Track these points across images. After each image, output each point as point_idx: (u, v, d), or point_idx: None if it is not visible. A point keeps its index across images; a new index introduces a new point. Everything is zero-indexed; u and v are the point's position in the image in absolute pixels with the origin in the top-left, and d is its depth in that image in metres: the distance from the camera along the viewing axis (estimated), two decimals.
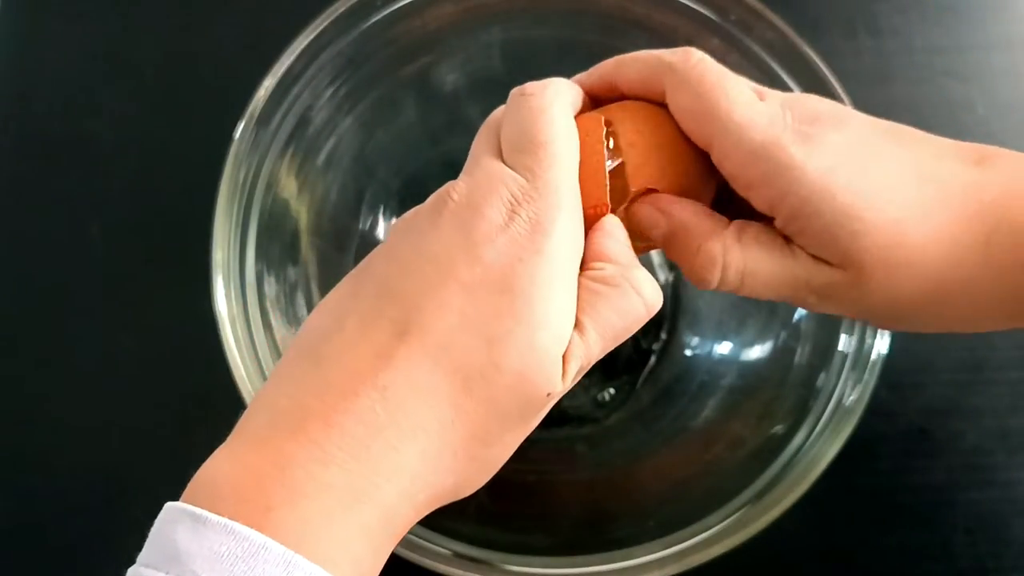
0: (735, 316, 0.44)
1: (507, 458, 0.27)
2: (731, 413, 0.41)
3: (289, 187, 0.40)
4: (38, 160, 0.48)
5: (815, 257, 0.28)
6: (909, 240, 0.27)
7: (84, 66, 0.50)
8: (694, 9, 0.39)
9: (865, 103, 0.38)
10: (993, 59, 0.49)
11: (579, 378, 0.26)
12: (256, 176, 0.38)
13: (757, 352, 0.42)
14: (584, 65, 0.44)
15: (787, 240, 0.29)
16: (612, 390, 0.45)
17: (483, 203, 0.25)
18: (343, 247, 0.43)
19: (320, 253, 0.42)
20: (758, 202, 0.28)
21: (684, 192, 0.30)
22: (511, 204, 0.25)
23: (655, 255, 0.47)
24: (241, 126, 0.37)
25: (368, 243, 0.45)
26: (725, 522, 0.34)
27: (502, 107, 0.29)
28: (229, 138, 0.37)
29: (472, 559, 0.33)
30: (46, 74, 0.50)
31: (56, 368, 0.45)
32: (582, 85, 0.31)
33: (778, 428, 0.37)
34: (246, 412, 0.25)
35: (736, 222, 0.29)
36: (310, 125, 0.40)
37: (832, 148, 0.27)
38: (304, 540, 0.22)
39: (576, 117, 0.29)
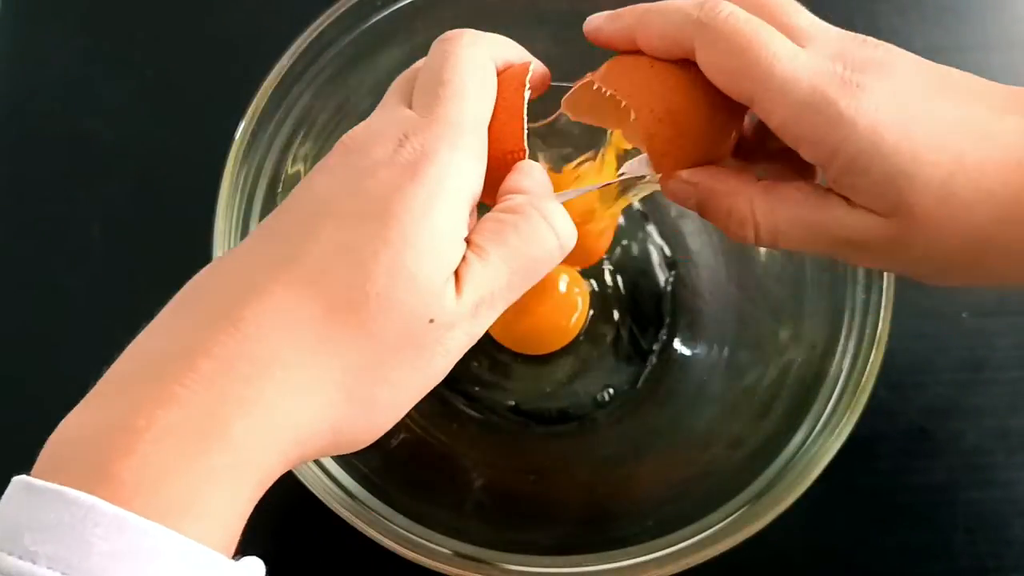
0: (735, 316, 0.44)
1: (405, 406, 0.25)
2: (731, 413, 0.41)
3: (289, 187, 0.40)
4: (38, 160, 0.48)
5: (859, 208, 0.27)
6: (959, 197, 0.26)
7: (84, 66, 0.50)
8: None
9: None
10: (993, 59, 0.49)
11: (490, 312, 0.25)
12: (256, 176, 0.38)
13: (756, 352, 0.42)
14: (583, 65, 0.44)
15: (822, 195, 0.28)
16: (612, 390, 0.45)
17: (372, 142, 0.25)
18: None
19: None
20: (806, 155, 0.27)
21: (706, 150, 0.29)
22: (400, 140, 0.25)
23: (654, 253, 0.47)
24: (241, 126, 0.37)
25: None
26: (725, 522, 0.34)
27: (423, 59, 0.29)
28: (229, 138, 0.37)
29: (472, 559, 0.33)
30: (46, 74, 0.50)
31: (56, 368, 0.45)
32: (600, 34, 0.30)
33: (778, 428, 0.37)
34: (109, 367, 0.24)
35: (763, 183, 0.29)
36: (310, 125, 0.40)
37: (883, 99, 0.26)
38: (138, 494, 0.20)
39: (505, 70, 0.29)
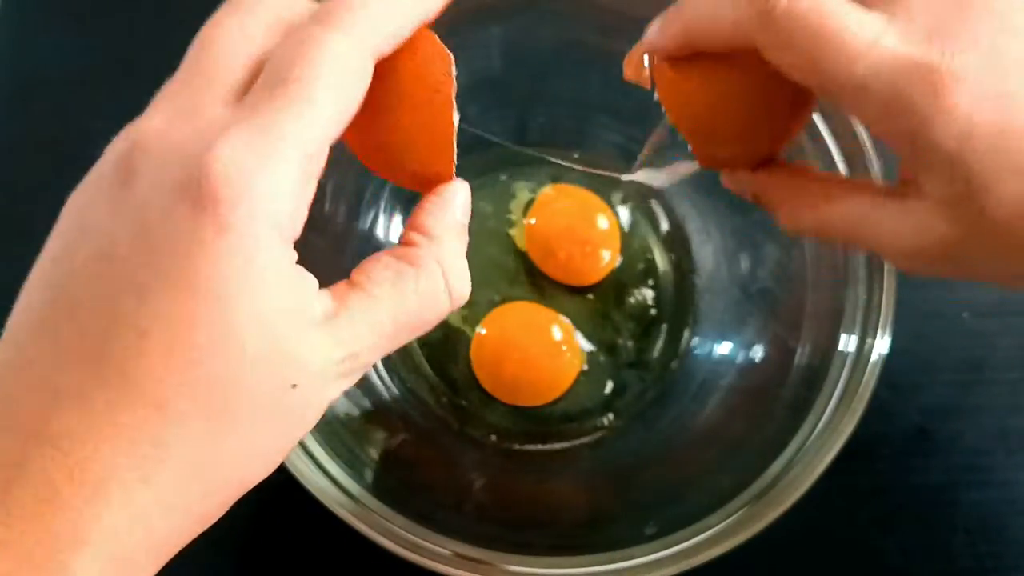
0: (735, 316, 0.44)
1: (272, 465, 0.22)
2: (731, 413, 0.41)
3: None
4: (38, 160, 0.48)
5: (920, 211, 0.24)
6: None
7: (84, 66, 0.50)
8: None
9: None
10: None
11: (364, 365, 0.22)
12: None
13: (757, 352, 0.42)
14: (583, 65, 0.44)
15: (878, 195, 0.26)
16: (611, 390, 0.45)
17: (160, 161, 0.21)
18: (343, 247, 0.43)
19: (320, 253, 0.42)
20: (891, 147, 0.25)
21: (755, 148, 0.28)
22: (202, 158, 0.20)
23: (655, 254, 0.47)
24: None
25: (368, 243, 0.45)
26: (725, 522, 0.34)
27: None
28: None
29: (472, 559, 0.33)
30: (46, 74, 0.50)
31: None
32: (653, 48, 0.27)
33: (778, 428, 0.37)
34: None
35: (820, 183, 0.27)
36: None
37: (982, 87, 0.22)
38: None
39: (417, 52, 0.23)
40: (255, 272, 0.19)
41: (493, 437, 0.43)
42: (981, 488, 0.43)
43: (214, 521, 0.21)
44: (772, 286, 0.42)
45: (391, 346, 0.22)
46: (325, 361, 0.21)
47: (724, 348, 0.43)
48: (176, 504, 0.20)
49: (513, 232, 0.46)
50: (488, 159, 0.47)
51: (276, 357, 0.20)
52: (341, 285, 0.22)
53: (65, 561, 0.18)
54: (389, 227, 0.46)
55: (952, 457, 0.43)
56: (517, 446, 0.43)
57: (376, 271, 0.22)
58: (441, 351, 0.45)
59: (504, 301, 0.45)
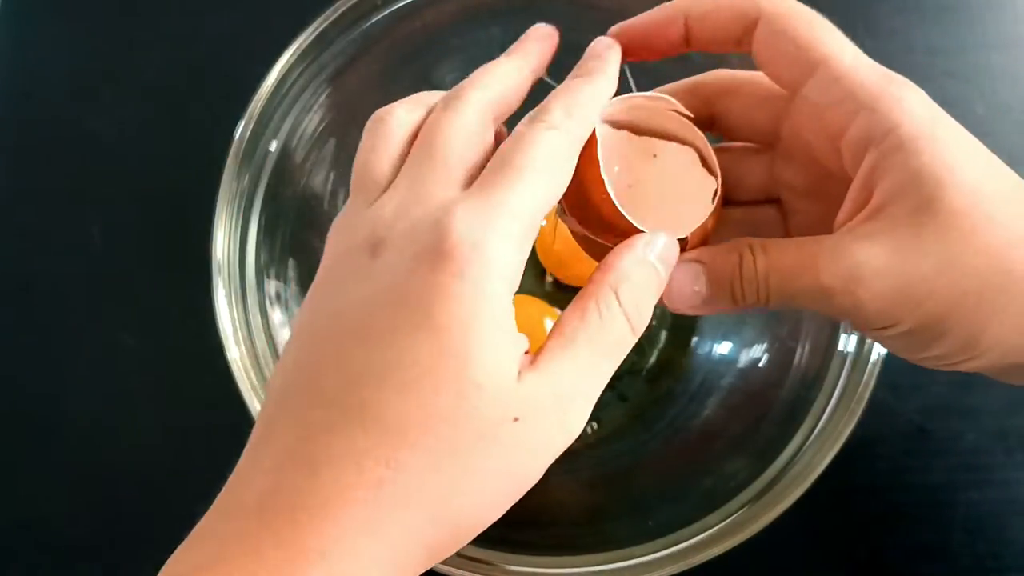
0: (735, 316, 0.44)
1: (496, 513, 0.24)
2: (731, 413, 0.41)
3: (290, 187, 0.40)
4: (38, 160, 0.48)
5: (868, 233, 0.25)
6: (992, 205, 0.24)
7: (84, 66, 0.50)
8: None
9: None
10: (993, 59, 0.49)
11: (582, 401, 0.24)
12: (257, 176, 0.38)
13: (757, 352, 0.42)
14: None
15: (823, 238, 0.26)
16: (611, 390, 0.45)
17: (407, 235, 0.23)
18: None
19: (321, 253, 0.42)
20: (849, 143, 0.26)
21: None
22: (441, 232, 0.23)
23: None
24: (241, 126, 0.37)
25: None
26: (725, 522, 0.34)
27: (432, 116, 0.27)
28: (229, 138, 0.37)
29: (472, 559, 0.33)
30: (46, 74, 0.50)
31: (56, 368, 0.45)
32: (629, 33, 0.30)
33: (778, 428, 0.37)
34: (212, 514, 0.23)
35: (759, 242, 0.27)
36: (310, 125, 0.40)
37: (925, 99, 0.26)
38: None
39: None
40: (487, 314, 0.22)
41: None
42: (981, 488, 0.43)
43: (443, 558, 0.23)
44: None
45: (596, 380, 0.24)
46: (540, 396, 0.23)
47: (724, 348, 0.43)
48: (405, 528, 0.22)
49: None
50: None
51: (501, 392, 0.22)
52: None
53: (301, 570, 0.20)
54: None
55: (952, 457, 0.43)
56: None
57: (566, 314, 0.25)
58: None
59: None
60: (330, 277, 0.25)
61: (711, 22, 0.28)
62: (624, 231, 0.27)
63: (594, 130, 0.27)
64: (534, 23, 0.42)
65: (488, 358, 0.22)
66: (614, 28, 0.30)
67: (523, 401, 0.23)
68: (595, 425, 0.44)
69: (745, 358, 0.42)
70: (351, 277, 0.24)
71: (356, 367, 0.22)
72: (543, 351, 0.24)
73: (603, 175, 0.27)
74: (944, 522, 0.42)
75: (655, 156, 0.29)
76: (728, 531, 0.34)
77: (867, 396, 0.35)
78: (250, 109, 0.37)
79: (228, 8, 0.51)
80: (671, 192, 0.28)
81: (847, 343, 0.36)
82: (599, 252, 0.28)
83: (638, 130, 0.29)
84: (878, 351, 0.35)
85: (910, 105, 0.25)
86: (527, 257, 0.24)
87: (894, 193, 0.25)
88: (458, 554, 0.33)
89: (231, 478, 0.23)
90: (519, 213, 0.23)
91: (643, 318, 0.25)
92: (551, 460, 0.24)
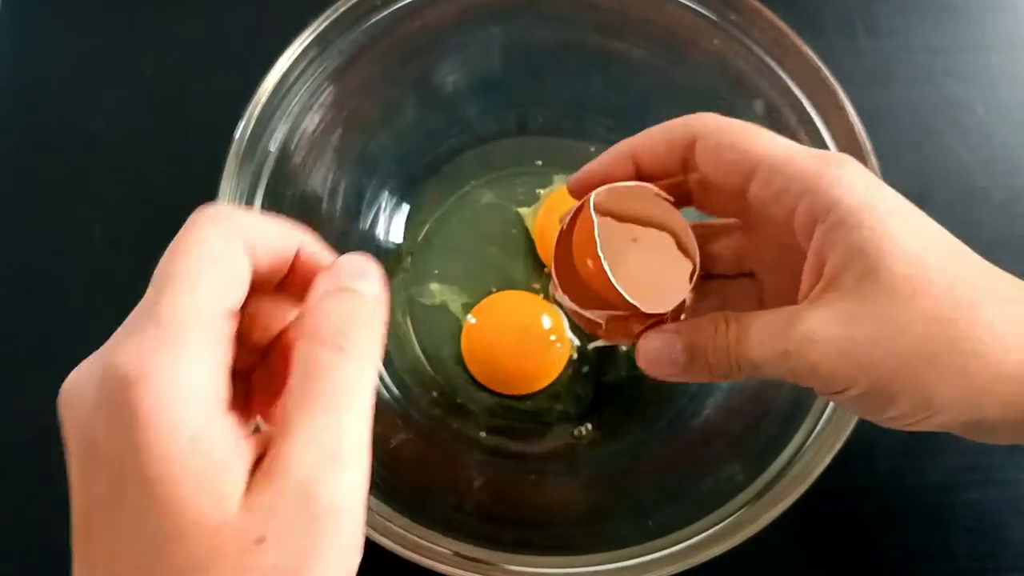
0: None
1: None
2: (731, 413, 0.41)
3: (290, 187, 0.40)
4: (38, 160, 0.48)
5: (822, 302, 0.27)
6: (931, 272, 0.26)
7: (84, 66, 0.50)
8: (694, 9, 0.39)
9: (865, 103, 0.38)
10: (993, 59, 0.49)
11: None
12: (256, 176, 0.38)
13: None
14: (583, 65, 0.44)
15: (785, 310, 0.28)
16: (612, 389, 0.45)
17: (82, 400, 0.23)
18: (343, 247, 0.43)
19: None
20: (799, 221, 0.28)
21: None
22: (102, 377, 0.22)
23: None
24: (241, 126, 0.37)
25: (367, 242, 0.45)
26: (725, 522, 0.34)
27: None
28: (229, 138, 0.37)
29: (472, 559, 0.33)
30: (46, 74, 0.50)
31: (56, 368, 0.45)
32: (594, 173, 0.31)
33: (778, 428, 0.37)
34: None
35: (730, 315, 0.29)
36: (310, 125, 0.40)
37: (863, 173, 0.28)
38: None
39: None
40: (170, 458, 0.20)
41: (482, 433, 0.43)
42: (981, 488, 0.43)
43: None
44: None
45: (348, 436, 0.22)
46: (280, 497, 0.20)
47: None
48: None
49: (524, 213, 0.46)
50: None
51: (221, 525, 0.20)
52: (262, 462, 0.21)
53: None
54: (389, 227, 0.46)
55: (952, 457, 0.43)
56: (510, 445, 0.44)
57: (286, 391, 0.22)
58: (437, 338, 0.45)
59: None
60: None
61: (654, 156, 0.30)
62: (615, 305, 0.29)
63: (592, 216, 0.29)
64: (534, 23, 0.42)
65: (185, 502, 0.20)
66: (573, 180, 0.32)
67: (257, 519, 0.20)
68: (589, 427, 0.44)
69: None
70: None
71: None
72: (270, 445, 0.21)
73: (600, 257, 0.28)
74: (944, 522, 0.42)
75: (635, 240, 0.32)
76: (728, 531, 0.34)
77: None
78: (250, 109, 0.37)
79: (228, 8, 0.51)
80: (650, 273, 0.31)
81: None
82: (590, 326, 0.31)
83: (620, 216, 0.32)
84: None
85: (848, 181, 0.27)
86: (229, 355, 0.22)
87: (841, 265, 0.26)
88: (458, 554, 0.33)
89: None
90: (173, 320, 0.21)
91: (362, 345, 0.22)
92: (356, 528, 0.22)
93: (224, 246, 0.23)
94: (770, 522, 0.33)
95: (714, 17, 0.39)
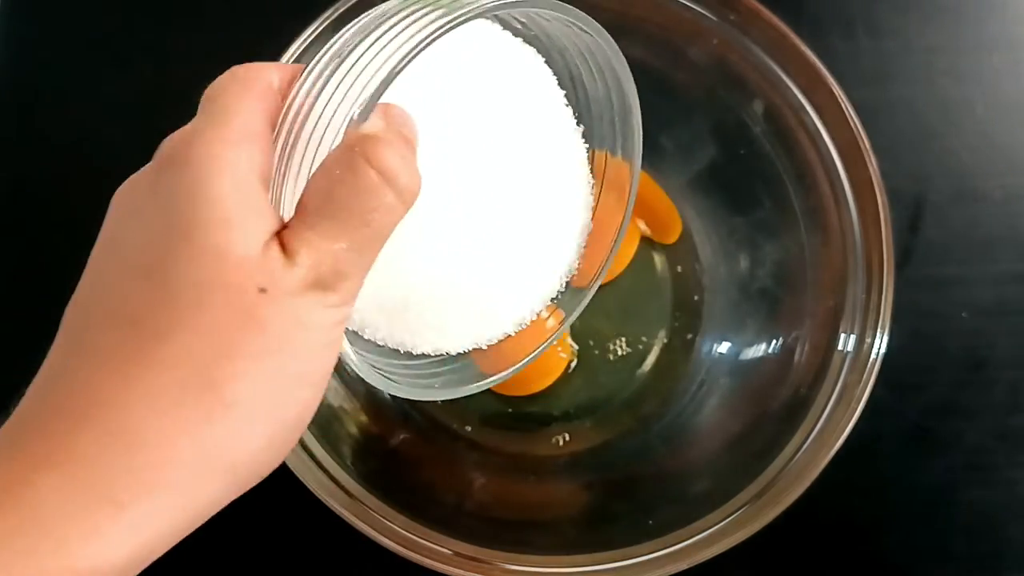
0: (735, 316, 0.44)
1: (287, 409, 0.22)
2: (731, 413, 0.41)
3: None
4: (38, 160, 0.48)
5: None
6: None
7: (84, 65, 0.50)
8: (693, 9, 0.39)
9: (864, 103, 0.38)
10: (993, 59, 0.49)
11: (343, 281, 0.22)
12: None
13: (757, 352, 0.42)
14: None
15: None
16: (612, 391, 0.45)
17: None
18: None
19: None
20: None
21: None
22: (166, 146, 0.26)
23: (654, 256, 0.47)
24: None
25: None
26: (725, 522, 0.34)
27: None
28: None
29: (472, 559, 0.33)
30: (46, 74, 0.50)
31: None
32: None
33: (778, 428, 0.37)
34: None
35: None
36: None
37: None
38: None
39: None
40: (215, 183, 0.22)
41: (482, 433, 0.43)
42: (981, 488, 0.43)
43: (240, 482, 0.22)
44: (772, 286, 0.42)
45: (362, 256, 0.22)
46: (285, 268, 0.21)
47: (723, 348, 0.43)
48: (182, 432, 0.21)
49: None
50: None
51: (236, 257, 0.21)
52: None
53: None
54: None
55: (952, 457, 0.43)
56: (510, 445, 0.43)
57: (311, 185, 0.23)
58: None
59: None
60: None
61: None
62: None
63: None
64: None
65: (226, 225, 0.21)
66: None
67: (271, 273, 0.21)
68: (588, 425, 0.44)
69: (745, 358, 0.42)
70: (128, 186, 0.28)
71: (106, 272, 0.25)
72: (290, 231, 0.22)
73: None
74: (944, 522, 0.42)
75: None
76: (728, 531, 0.34)
77: (866, 396, 0.35)
78: None
79: (229, 8, 0.51)
80: None
81: (846, 343, 0.36)
82: None
83: None
84: (877, 350, 0.36)
85: None
86: (264, 146, 0.24)
87: None
88: (458, 553, 0.33)
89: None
90: (228, 116, 0.25)
91: (409, 186, 0.22)
92: (327, 355, 0.23)
93: (258, 76, 0.27)
94: (770, 522, 0.33)
95: (714, 17, 0.39)
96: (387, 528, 0.33)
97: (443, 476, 0.41)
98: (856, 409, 0.35)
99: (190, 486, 0.21)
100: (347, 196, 0.22)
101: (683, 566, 0.33)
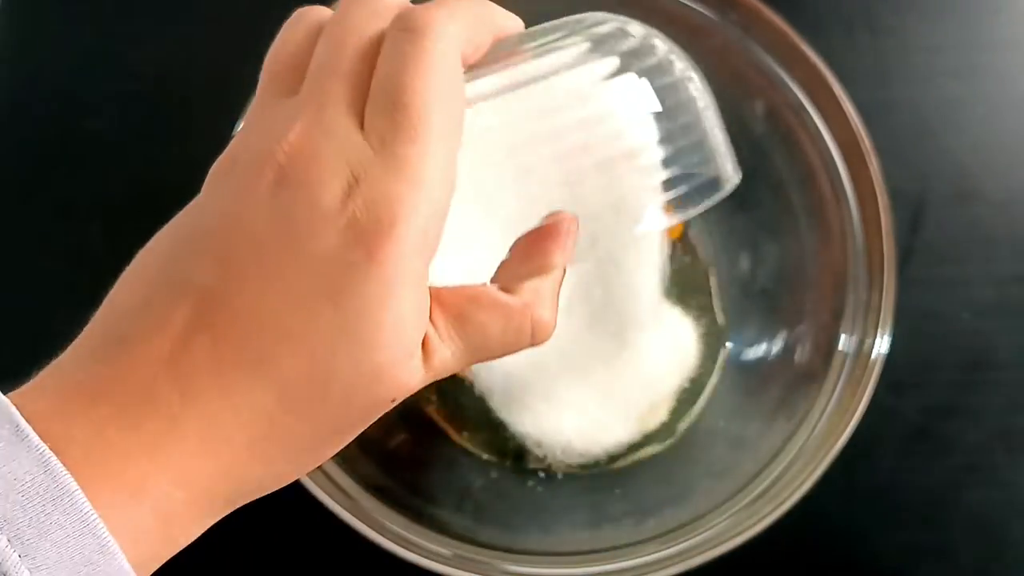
0: (735, 316, 0.44)
1: (332, 453, 0.24)
2: (731, 413, 0.41)
3: None
4: (38, 160, 0.48)
5: None
6: None
7: (84, 66, 0.50)
8: (694, 9, 0.39)
9: (865, 103, 0.38)
10: (993, 59, 0.49)
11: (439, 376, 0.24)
12: None
13: (757, 352, 0.42)
14: None
15: None
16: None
17: (314, 178, 0.21)
18: None
19: None
20: None
21: None
22: (350, 185, 0.21)
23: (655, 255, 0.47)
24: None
25: None
26: (725, 522, 0.34)
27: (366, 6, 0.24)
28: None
29: (472, 559, 0.33)
30: (46, 74, 0.50)
31: None
32: None
33: (778, 428, 0.37)
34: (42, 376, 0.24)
35: None
36: None
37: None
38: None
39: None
40: (395, 298, 0.21)
41: (483, 434, 0.43)
42: (981, 488, 0.43)
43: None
44: (772, 286, 0.42)
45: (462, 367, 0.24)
46: (416, 380, 0.23)
47: (724, 349, 0.43)
48: (257, 474, 0.22)
49: None
50: None
51: (390, 377, 0.22)
52: (446, 300, 0.24)
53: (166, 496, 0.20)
54: None
55: (952, 457, 0.43)
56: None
57: (475, 312, 0.24)
58: None
59: None
60: (229, 184, 0.23)
61: None
62: None
63: None
64: (535, 22, 0.42)
65: (391, 346, 0.21)
66: None
67: (407, 387, 0.23)
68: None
69: (745, 358, 0.42)
70: (250, 200, 0.22)
71: (263, 315, 0.21)
72: (440, 338, 0.23)
73: None
74: (944, 522, 0.42)
75: None
76: (728, 531, 0.34)
77: (867, 396, 0.35)
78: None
79: (229, 8, 0.51)
80: None
81: (847, 343, 0.36)
82: None
83: None
84: (878, 351, 0.35)
85: None
86: (446, 206, 0.22)
87: None
88: (458, 554, 0.33)
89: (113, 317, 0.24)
90: (431, 182, 0.21)
91: (546, 334, 0.25)
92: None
93: (457, 75, 0.23)
94: (770, 522, 0.33)
95: (714, 17, 0.38)
96: (387, 528, 0.33)
97: (443, 477, 0.41)
98: (857, 409, 0.35)
99: None
100: (497, 343, 0.24)
101: (683, 567, 0.33)
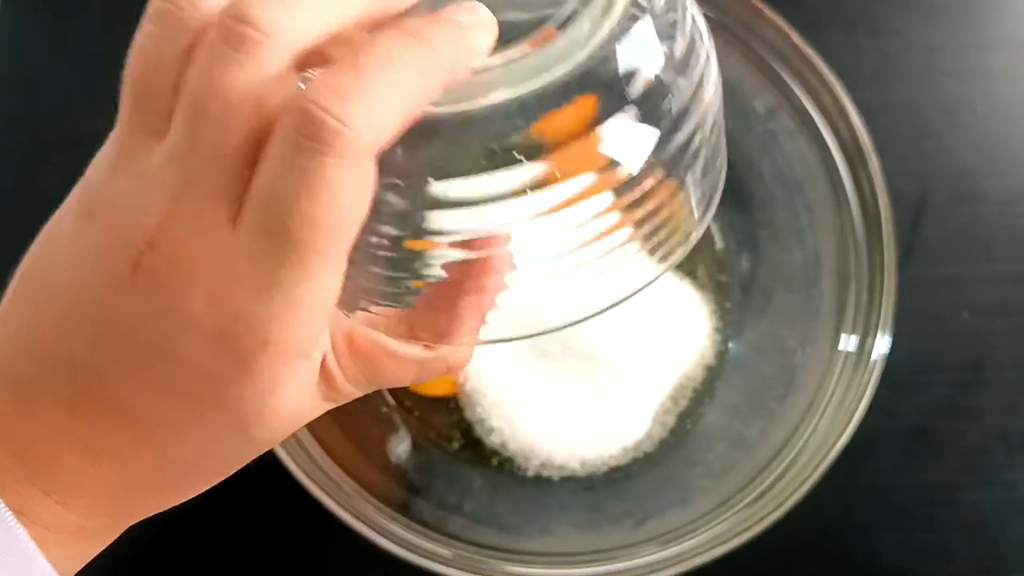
0: (735, 316, 0.44)
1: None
2: (731, 413, 0.41)
3: None
4: (38, 160, 0.48)
5: None
6: None
7: (84, 66, 0.50)
8: None
9: (865, 103, 0.38)
10: (993, 59, 0.49)
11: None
12: None
13: (757, 352, 0.42)
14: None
15: None
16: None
17: (176, 280, 0.19)
18: None
19: None
20: None
21: None
22: (216, 295, 0.19)
23: None
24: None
25: None
26: (725, 522, 0.34)
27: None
28: None
29: (472, 560, 0.33)
30: (46, 74, 0.50)
31: None
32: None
33: (778, 428, 0.37)
34: None
35: None
36: None
37: None
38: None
39: None
40: (277, 408, 0.20)
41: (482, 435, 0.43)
42: (981, 488, 0.43)
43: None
44: (772, 286, 0.42)
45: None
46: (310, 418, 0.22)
47: (726, 350, 0.43)
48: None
49: None
50: None
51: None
52: (361, 347, 0.23)
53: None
54: None
55: (952, 457, 0.43)
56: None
57: (387, 362, 0.23)
58: None
59: None
60: (94, 244, 0.21)
61: None
62: None
63: None
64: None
65: (274, 428, 0.21)
66: None
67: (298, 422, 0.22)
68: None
69: (745, 358, 0.42)
70: (112, 282, 0.20)
71: (126, 403, 0.20)
72: (343, 382, 0.22)
73: None
74: (944, 522, 0.42)
75: None
76: (728, 531, 0.34)
77: (867, 396, 0.35)
78: None
79: None
80: None
81: (847, 343, 0.36)
82: None
83: None
84: (878, 351, 0.35)
85: None
86: (329, 309, 0.20)
87: None
88: (458, 555, 0.33)
89: None
90: (312, 302, 0.19)
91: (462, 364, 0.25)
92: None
93: (362, 205, 0.18)
94: (771, 522, 0.33)
95: (715, 16, 0.39)
96: (387, 529, 0.33)
97: (443, 478, 0.41)
98: (857, 409, 0.35)
99: None
100: (408, 379, 0.24)
101: (683, 567, 0.33)
